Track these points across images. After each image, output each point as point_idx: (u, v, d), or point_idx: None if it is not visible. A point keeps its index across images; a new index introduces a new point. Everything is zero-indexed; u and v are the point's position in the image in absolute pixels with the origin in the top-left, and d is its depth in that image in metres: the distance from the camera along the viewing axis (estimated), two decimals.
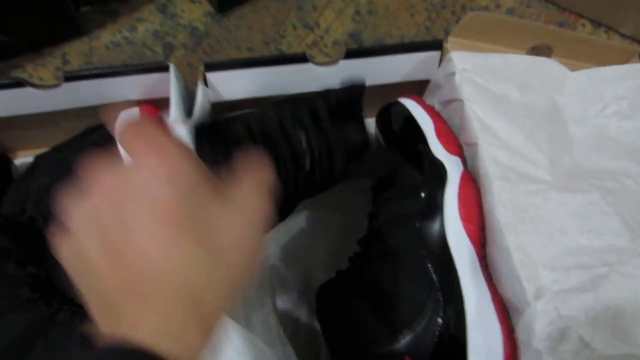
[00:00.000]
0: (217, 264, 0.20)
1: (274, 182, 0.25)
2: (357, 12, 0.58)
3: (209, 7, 0.58)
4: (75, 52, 0.55)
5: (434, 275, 0.36)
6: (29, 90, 0.41)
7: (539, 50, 0.45)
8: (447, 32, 0.56)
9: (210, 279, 0.20)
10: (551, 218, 0.35)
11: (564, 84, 0.42)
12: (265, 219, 0.23)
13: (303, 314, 0.45)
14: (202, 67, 0.41)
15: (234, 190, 0.23)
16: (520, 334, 0.32)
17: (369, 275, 0.37)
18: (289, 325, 0.44)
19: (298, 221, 0.48)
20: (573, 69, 0.42)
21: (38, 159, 0.43)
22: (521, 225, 0.34)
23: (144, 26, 0.56)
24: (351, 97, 0.41)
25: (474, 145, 0.39)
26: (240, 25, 0.57)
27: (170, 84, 0.39)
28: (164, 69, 0.40)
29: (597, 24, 0.59)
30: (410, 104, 0.43)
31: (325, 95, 0.40)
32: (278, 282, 0.45)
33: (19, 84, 0.41)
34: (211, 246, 0.20)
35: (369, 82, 0.46)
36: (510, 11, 0.60)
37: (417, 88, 0.46)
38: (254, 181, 0.24)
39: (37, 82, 0.41)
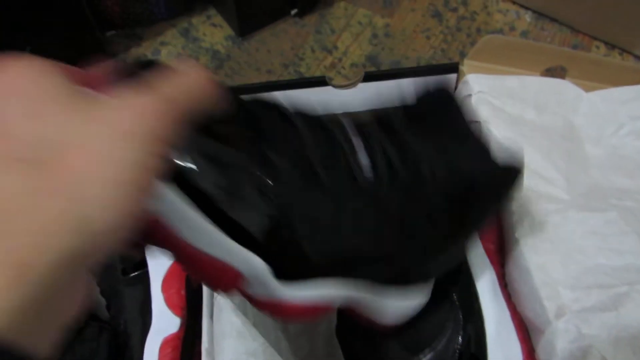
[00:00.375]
0: (48, 194, 0.14)
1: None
2: (374, 35, 0.59)
3: (230, 31, 0.60)
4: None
5: (454, 294, 0.36)
6: None
7: (553, 71, 0.46)
8: (462, 55, 0.57)
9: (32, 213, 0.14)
10: (570, 237, 0.35)
11: (579, 105, 0.43)
12: (157, 135, 0.16)
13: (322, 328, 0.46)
14: None
15: (112, 100, 0.17)
16: (541, 353, 0.32)
17: None
18: (303, 347, 0.44)
19: None
20: (588, 90, 0.43)
21: None
22: (540, 244, 0.35)
23: (167, 49, 0.58)
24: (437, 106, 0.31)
25: None
26: (260, 49, 0.58)
27: None
28: None
29: (611, 46, 0.60)
30: None
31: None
32: None
33: None
34: (41, 173, 0.15)
35: (386, 104, 0.47)
36: (525, 34, 0.61)
37: None
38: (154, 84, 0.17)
39: None
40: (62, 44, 0.56)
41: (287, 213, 0.23)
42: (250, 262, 0.23)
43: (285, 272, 0.24)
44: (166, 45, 0.59)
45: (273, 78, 0.56)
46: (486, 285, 0.36)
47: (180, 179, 0.21)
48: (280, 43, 0.59)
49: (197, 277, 0.31)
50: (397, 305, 0.29)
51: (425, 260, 0.28)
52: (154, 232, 0.21)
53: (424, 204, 0.25)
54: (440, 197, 0.26)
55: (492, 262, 0.36)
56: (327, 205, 0.23)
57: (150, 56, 0.58)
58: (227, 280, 0.24)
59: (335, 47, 0.58)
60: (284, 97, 0.44)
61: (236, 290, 0.24)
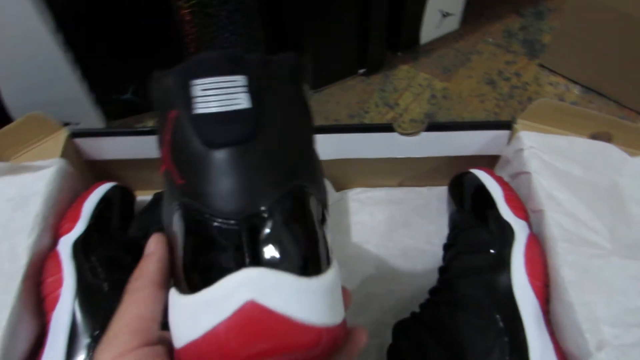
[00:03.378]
0: None
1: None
2: (433, 96, 0.65)
3: None
4: None
5: (500, 323, 0.39)
6: None
7: (598, 137, 0.50)
8: (513, 120, 0.62)
9: None
10: (612, 280, 0.38)
11: (624, 167, 0.46)
12: None
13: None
14: None
15: None
16: None
17: (441, 320, 0.41)
18: None
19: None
20: (632, 156, 0.46)
21: (157, 195, 0.51)
22: (585, 284, 0.38)
23: None
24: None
25: (540, 212, 0.43)
26: (329, 100, 0.65)
27: None
28: None
29: None
30: (482, 174, 0.48)
31: None
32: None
33: (155, 131, 0.49)
34: None
35: (444, 153, 0.52)
36: (574, 105, 0.66)
37: (486, 161, 0.52)
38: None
39: None
40: None
41: None
42: None
43: None
44: None
45: (345, 123, 0.62)
46: (531, 318, 0.39)
47: None
48: (347, 97, 0.66)
49: None
50: None
51: None
52: None
53: None
54: None
55: (537, 297, 0.39)
56: None
57: None
58: None
59: (397, 104, 0.65)
60: (351, 139, 0.50)
61: None
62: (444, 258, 0.47)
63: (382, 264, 0.51)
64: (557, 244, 0.40)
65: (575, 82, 0.67)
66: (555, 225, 0.41)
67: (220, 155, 0.22)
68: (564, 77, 0.67)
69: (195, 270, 0.23)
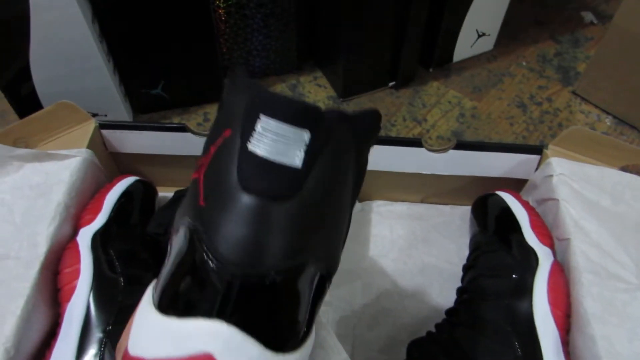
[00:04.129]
0: None
1: None
2: (462, 115, 0.65)
3: (332, 92, 0.67)
4: (215, 112, 0.65)
5: (519, 350, 0.38)
6: (187, 135, 0.50)
7: (629, 169, 0.49)
8: (542, 144, 0.62)
9: None
10: (636, 315, 0.37)
11: None
12: None
13: None
14: None
15: None
16: None
17: (458, 342, 0.40)
18: None
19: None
20: None
21: (179, 192, 0.51)
22: (608, 317, 0.37)
23: None
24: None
25: (566, 240, 0.42)
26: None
27: None
28: None
29: None
30: (508, 197, 0.48)
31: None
32: (360, 341, 0.48)
33: (182, 129, 0.49)
34: None
35: (471, 172, 0.51)
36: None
37: (512, 185, 0.51)
38: None
39: (195, 129, 0.50)
40: (188, 82, 0.65)
41: None
42: None
43: None
44: None
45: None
46: (551, 347, 0.38)
47: None
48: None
49: None
50: None
51: None
52: None
53: None
54: None
55: (558, 326, 0.38)
56: None
57: None
58: None
59: (425, 120, 0.64)
60: (382, 151, 0.49)
61: None
62: (463, 279, 0.46)
63: (398, 280, 0.50)
64: (582, 274, 0.39)
65: (608, 113, 0.65)
66: (581, 256, 0.41)
67: (247, 201, 0.20)
68: (596, 106, 0.66)
69: (174, 293, 0.22)
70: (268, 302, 0.21)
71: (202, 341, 0.19)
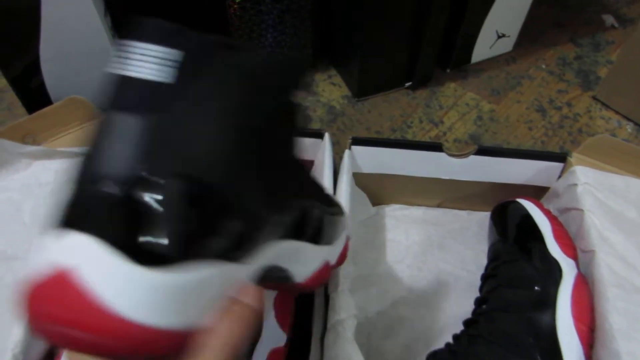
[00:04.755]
0: None
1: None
2: (479, 117, 0.63)
3: (346, 91, 0.66)
4: None
5: None
6: None
7: None
8: (562, 150, 0.60)
9: None
10: None
11: None
12: None
13: None
14: (350, 140, 0.47)
15: None
16: None
17: (477, 355, 0.39)
18: None
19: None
20: None
21: None
22: (633, 333, 0.36)
23: None
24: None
25: (590, 252, 0.41)
26: (372, 111, 0.64)
27: (324, 149, 0.45)
28: (319, 135, 0.47)
29: None
30: (529, 205, 0.46)
31: None
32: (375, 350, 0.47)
33: None
34: None
35: (490, 178, 0.50)
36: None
37: (532, 192, 0.50)
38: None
39: None
40: None
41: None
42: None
43: None
44: None
45: (396, 138, 0.60)
46: None
47: None
48: (391, 109, 0.64)
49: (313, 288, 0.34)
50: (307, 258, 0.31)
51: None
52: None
53: None
54: None
55: (581, 341, 0.37)
56: None
57: None
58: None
59: (442, 122, 0.63)
60: (400, 154, 0.48)
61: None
62: (482, 289, 0.45)
63: (414, 287, 0.49)
64: (608, 288, 0.38)
65: (629, 119, 0.64)
66: (606, 268, 0.40)
67: (109, 116, 0.20)
68: (617, 112, 0.65)
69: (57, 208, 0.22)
70: (127, 215, 0.20)
71: (66, 253, 0.19)
